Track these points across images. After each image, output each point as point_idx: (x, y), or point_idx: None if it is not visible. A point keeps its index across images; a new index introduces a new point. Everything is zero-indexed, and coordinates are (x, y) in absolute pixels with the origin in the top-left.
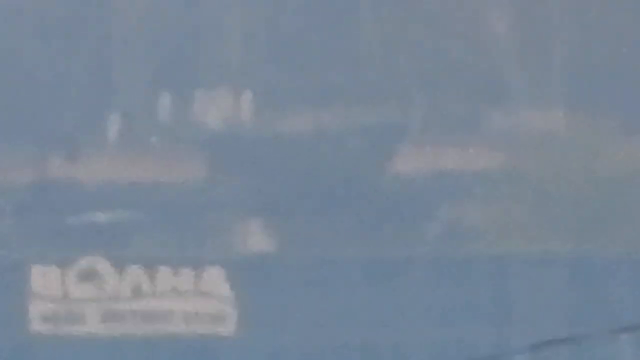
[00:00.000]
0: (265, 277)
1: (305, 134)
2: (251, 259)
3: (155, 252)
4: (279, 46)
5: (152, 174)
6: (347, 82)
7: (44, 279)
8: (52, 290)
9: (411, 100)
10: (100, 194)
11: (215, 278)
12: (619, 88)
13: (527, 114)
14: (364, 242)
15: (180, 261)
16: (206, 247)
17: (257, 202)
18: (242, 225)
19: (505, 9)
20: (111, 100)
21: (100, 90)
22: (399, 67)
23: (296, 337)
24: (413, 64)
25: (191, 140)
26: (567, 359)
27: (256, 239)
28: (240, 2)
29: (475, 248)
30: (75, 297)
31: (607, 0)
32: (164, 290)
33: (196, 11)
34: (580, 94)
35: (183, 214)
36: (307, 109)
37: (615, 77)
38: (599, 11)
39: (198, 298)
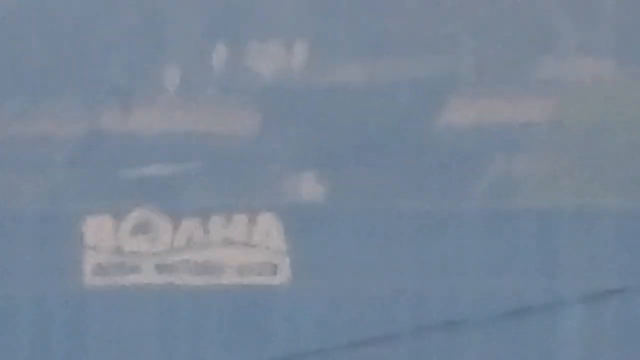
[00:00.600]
0: (318, 227)
1: (356, 85)
2: (303, 208)
3: (209, 203)
4: None
5: (206, 125)
6: (399, 33)
7: (97, 231)
8: (105, 243)
9: (461, 50)
10: (154, 145)
11: (268, 228)
12: None
13: (577, 63)
14: (414, 193)
15: (233, 212)
16: (259, 198)
17: (310, 153)
18: (294, 175)
19: None
20: (165, 51)
21: (155, 41)
22: (449, 17)
23: (348, 286)
24: (463, 14)
25: (244, 91)
26: (617, 310)
27: (308, 189)
28: None
29: (525, 200)
30: (129, 250)
31: None
32: (217, 241)
33: None
34: (631, 43)
35: (236, 164)
36: (358, 59)
37: None
38: None
39: (251, 248)
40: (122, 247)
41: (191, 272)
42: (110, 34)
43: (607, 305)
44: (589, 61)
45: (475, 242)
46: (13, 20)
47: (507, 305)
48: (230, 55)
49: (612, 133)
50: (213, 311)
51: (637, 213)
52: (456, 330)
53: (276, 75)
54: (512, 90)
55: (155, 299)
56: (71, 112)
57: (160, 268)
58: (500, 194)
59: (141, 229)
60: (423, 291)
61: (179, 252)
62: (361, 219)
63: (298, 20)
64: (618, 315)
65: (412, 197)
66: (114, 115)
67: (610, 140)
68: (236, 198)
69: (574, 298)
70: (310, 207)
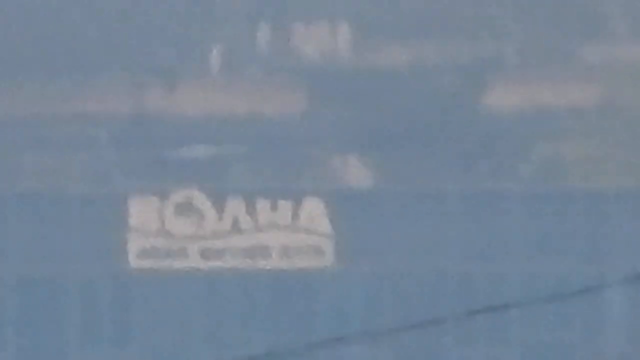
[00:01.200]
0: (363, 210)
1: (401, 67)
2: (349, 192)
3: (254, 186)
4: None
5: (250, 106)
6: (444, 15)
7: (142, 213)
8: (150, 225)
9: (507, 34)
10: (199, 126)
11: (313, 212)
12: None
13: (623, 48)
14: (460, 175)
15: (278, 196)
16: (304, 181)
17: (355, 135)
18: (340, 158)
19: None
20: (211, 32)
21: (201, 22)
22: (495, 1)
23: (393, 269)
24: None
25: (289, 73)
26: None
27: (354, 172)
28: None
29: (571, 183)
30: (174, 232)
31: None
32: (263, 225)
33: None
34: None
35: (281, 147)
36: (403, 41)
37: None
38: None
39: (296, 232)
40: (166, 230)
41: (237, 255)
42: (157, 15)
43: None
44: (637, 46)
45: (522, 224)
46: (61, 2)
47: (553, 287)
48: (275, 36)
49: None
50: (259, 294)
51: None
52: (502, 312)
53: (321, 57)
54: (558, 74)
55: (200, 281)
56: (117, 92)
57: (206, 251)
58: (547, 176)
59: (186, 211)
60: (469, 273)
61: (225, 236)
62: (407, 201)
63: (343, 2)
64: None
65: (458, 180)
66: (159, 95)
67: None
68: (281, 181)
69: (621, 280)
70: (356, 190)
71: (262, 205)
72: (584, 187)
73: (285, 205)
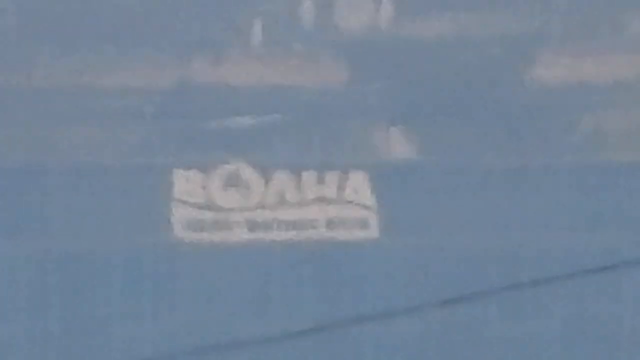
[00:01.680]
0: (407, 184)
1: (445, 39)
2: (393, 165)
3: (299, 158)
4: None
5: (293, 79)
6: None
7: (187, 184)
8: (195, 197)
9: (551, 6)
10: (243, 97)
11: (358, 185)
12: None
13: None
14: (504, 149)
15: (324, 169)
16: (349, 154)
17: (398, 108)
18: (383, 131)
19: None
20: (254, 4)
21: None
22: None
23: (438, 243)
24: None
25: (332, 45)
26: None
27: (397, 144)
28: None
29: (616, 156)
30: (220, 204)
31: None
32: (309, 198)
33: None
34: None
35: (325, 119)
36: (447, 13)
37: None
38: None
39: (341, 205)
40: (212, 202)
41: (282, 228)
42: None
43: None
44: None
45: (568, 197)
46: None
47: (600, 260)
48: (318, 9)
49: None
50: (304, 267)
51: None
52: (548, 285)
53: (364, 29)
54: (602, 47)
55: (246, 254)
56: (160, 64)
57: (252, 224)
58: (591, 149)
59: (231, 183)
60: (514, 248)
61: (271, 209)
62: (451, 175)
63: None
64: None
65: (501, 153)
66: (202, 67)
67: None
68: (326, 154)
69: None
70: (400, 163)
71: (308, 178)
72: (630, 159)
73: (331, 179)
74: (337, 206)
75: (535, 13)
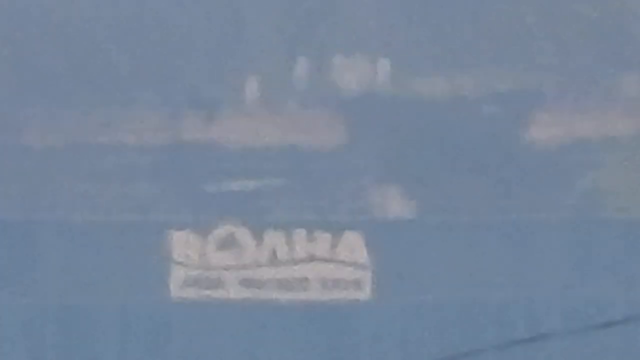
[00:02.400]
0: (402, 243)
1: (441, 99)
2: (388, 225)
3: (293, 218)
4: (414, 12)
5: (288, 138)
6: (483, 47)
7: (184, 245)
8: (192, 258)
9: (546, 65)
10: (237, 157)
11: (352, 245)
12: None
13: None
14: (500, 207)
15: (317, 227)
16: (343, 213)
17: (394, 168)
18: (379, 190)
19: None
20: (248, 64)
21: (238, 53)
22: (534, 32)
23: (433, 302)
24: (548, 29)
25: (328, 106)
26: None
27: (394, 204)
28: None
29: (611, 214)
30: (215, 265)
31: None
32: (301, 258)
33: None
34: None
35: (320, 179)
36: (443, 74)
37: None
38: None
39: (335, 264)
40: (208, 263)
41: (275, 287)
42: (193, 45)
43: None
44: None
45: (562, 254)
46: (96, 30)
47: (594, 317)
48: (313, 68)
49: None
50: (297, 326)
51: None
52: (543, 342)
53: (360, 89)
54: (597, 106)
55: (240, 313)
56: (154, 123)
57: (245, 283)
58: (587, 207)
59: (226, 244)
60: (510, 304)
61: (263, 267)
62: (446, 233)
63: (382, 34)
64: None
65: (498, 211)
66: (196, 126)
67: None
68: (320, 214)
69: None
70: (395, 223)
71: (301, 237)
72: (623, 217)
73: (323, 238)
74: (330, 266)
75: (531, 73)
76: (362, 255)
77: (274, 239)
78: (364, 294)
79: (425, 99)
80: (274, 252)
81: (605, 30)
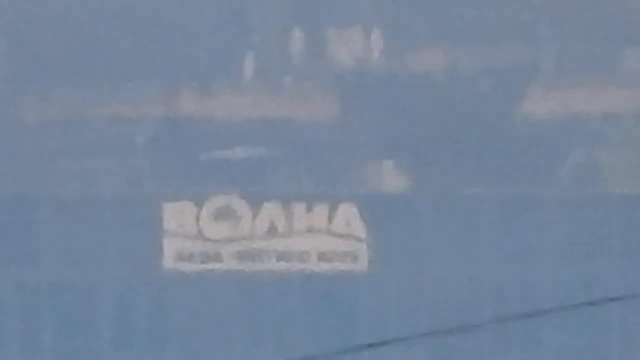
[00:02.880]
0: (398, 215)
1: (436, 73)
2: (384, 197)
3: (289, 190)
4: None
5: (284, 111)
6: (478, 21)
7: (178, 216)
8: (186, 228)
9: (543, 40)
10: (233, 130)
11: (348, 217)
12: None
13: None
14: (494, 181)
15: (314, 199)
16: (340, 186)
17: (389, 141)
18: (375, 163)
19: None
20: (245, 38)
21: (234, 28)
22: (531, 5)
23: (428, 274)
24: (545, 3)
25: (323, 78)
26: None
27: (389, 177)
28: None
29: (607, 189)
30: (210, 236)
31: None
32: (299, 230)
33: None
34: None
35: (316, 152)
36: (438, 47)
37: None
38: None
39: (332, 236)
40: (203, 233)
41: (272, 259)
42: (190, 21)
43: None
44: None
45: (557, 229)
46: (93, 6)
47: (589, 293)
48: (308, 42)
49: None
50: (294, 298)
51: None
52: (537, 317)
53: (355, 63)
54: (594, 81)
55: (236, 284)
56: (151, 97)
57: (242, 255)
58: (582, 182)
59: (222, 214)
60: (504, 279)
61: (261, 240)
62: (441, 207)
63: (376, 7)
64: None
65: (492, 186)
66: (193, 99)
67: None
68: (317, 186)
69: None
70: (390, 195)
71: (298, 209)
72: (619, 192)
73: (320, 211)
74: (327, 238)
75: (527, 47)
76: (358, 227)
77: (271, 211)
78: (360, 265)
79: (420, 73)
80: (272, 224)
81: (603, 4)
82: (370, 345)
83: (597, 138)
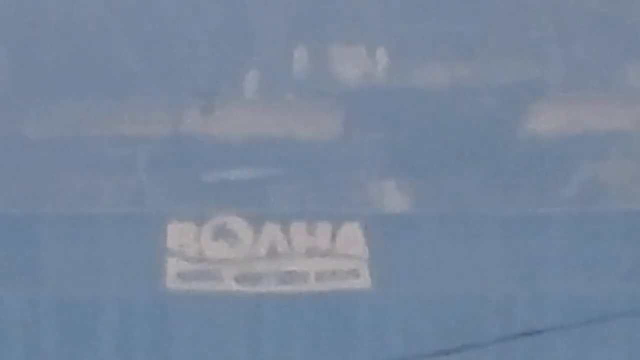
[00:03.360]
0: (401, 235)
1: (440, 90)
2: (386, 217)
3: (291, 209)
4: (413, 2)
5: (287, 129)
6: (483, 38)
7: (180, 236)
8: (188, 248)
9: (548, 56)
10: (236, 149)
11: (351, 237)
12: None
13: None
14: (499, 199)
15: (316, 220)
16: (342, 205)
17: (392, 159)
18: (377, 182)
19: None
20: (248, 55)
21: (237, 44)
22: (535, 22)
23: (431, 294)
24: (550, 19)
25: (327, 97)
26: None
27: (392, 196)
28: None
29: (612, 206)
30: (211, 256)
31: None
32: (300, 250)
33: None
34: None
35: (318, 170)
36: (442, 64)
37: None
38: None
39: (333, 257)
40: (204, 253)
41: (273, 280)
42: (193, 37)
43: None
44: None
45: (563, 246)
46: (96, 22)
47: (595, 310)
48: (312, 59)
49: None
50: (295, 319)
51: None
52: (543, 336)
53: (359, 80)
54: (599, 97)
55: (237, 306)
56: (154, 115)
57: (242, 276)
58: (587, 199)
59: (223, 235)
60: (509, 297)
61: (261, 261)
62: (445, 225)
63: (380, 24)
64: None
65: (497, 203)
66: (196, 118)
67: None
68: (319, 205)
69: None
70: (393, 214)
71: (299, 230)
72: (625, 209)
73: (322, 231)
74: (329, 258)
75: (531, 64)
76: (360, 247)
77: (272, 231)
78: (363, 286)
79: (425, 90)
80: (273, 245)
81: (608, 20)
82: None
83: (603, 155)
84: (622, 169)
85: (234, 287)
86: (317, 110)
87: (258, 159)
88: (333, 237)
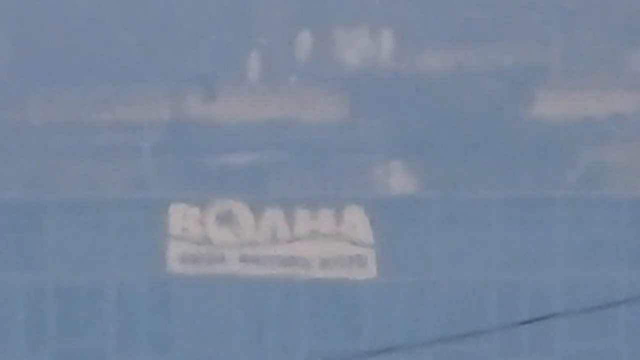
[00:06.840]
0: (405, 219)
1: (444, 73)
2: (391, 200)
3: (294, 194)
4: None
5: (290, 113)
6: (487, 21)
7: (182, 220)
8: (190, 232)
9: (552, 41)
10: (238, 133)
11: (355, 221)
12: None
13: None
14: (503, 182)
15: (319, 205)
16: (346, 189)
17: (396, 142)
18: (382, 165)
19: None
20: (250, 39)
21: (239, 29)
22: (540, 6)
23: (437, 277)
24: (554, 4)
25: (330, 80)
26: None
27: (397, 179)
28: None
29: (615, 190)
30: (214, 240)
31: None
32: (302, 234)
33: None
34: None
35: (322, 154)
36: (446, 47)
37: None
38: None
39: (337, 242)
40: (207, 237)
41: (276, 264)
42: (195, 22)
43: None
44: None
45: (567, 231)
46: (98, 7)
47: (599, 295)
48: (315, 43)
49: None
50: (298, 303)
51: None
52: (547, 321)
53: (362, 64)
54: (604, 82)
55: (240, 289)
56: (156, 100)
57: (245, 259)
58: (591, 183)
59: (225, 219)
60: (514, 282)
61: (264, 245)
62: (449, 209)
63: (384, 7)
64: None
65: (501, 187)
66: (198, 102)
67: None
68: (322, 189)
69: None
70: (398, 198)
71: (302, 214)
72: (629, 193)
73: (325, 215)
74: (332, 243)
75: (536, 49)
76: (365, 231)
77: (274, 216)
78: (368, 270)
79: (429, 74)
80: (275, 229)
81: (612, 6)
82: (376, 352)
83: (607, 139)
84: (627, 153)
85: (238, 269)
86: (320, 93)
87: (260, 143)
88: (337, 221)
